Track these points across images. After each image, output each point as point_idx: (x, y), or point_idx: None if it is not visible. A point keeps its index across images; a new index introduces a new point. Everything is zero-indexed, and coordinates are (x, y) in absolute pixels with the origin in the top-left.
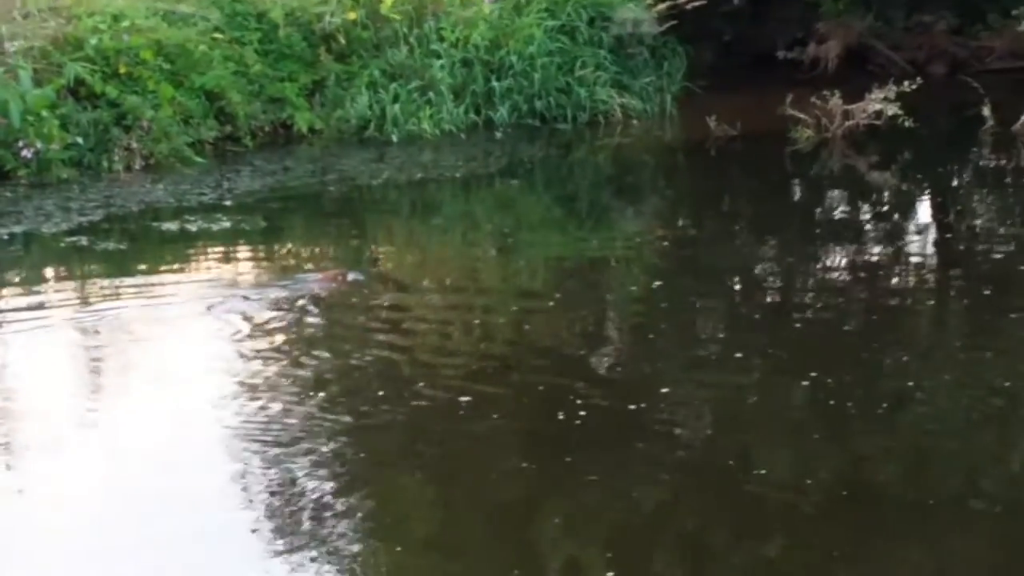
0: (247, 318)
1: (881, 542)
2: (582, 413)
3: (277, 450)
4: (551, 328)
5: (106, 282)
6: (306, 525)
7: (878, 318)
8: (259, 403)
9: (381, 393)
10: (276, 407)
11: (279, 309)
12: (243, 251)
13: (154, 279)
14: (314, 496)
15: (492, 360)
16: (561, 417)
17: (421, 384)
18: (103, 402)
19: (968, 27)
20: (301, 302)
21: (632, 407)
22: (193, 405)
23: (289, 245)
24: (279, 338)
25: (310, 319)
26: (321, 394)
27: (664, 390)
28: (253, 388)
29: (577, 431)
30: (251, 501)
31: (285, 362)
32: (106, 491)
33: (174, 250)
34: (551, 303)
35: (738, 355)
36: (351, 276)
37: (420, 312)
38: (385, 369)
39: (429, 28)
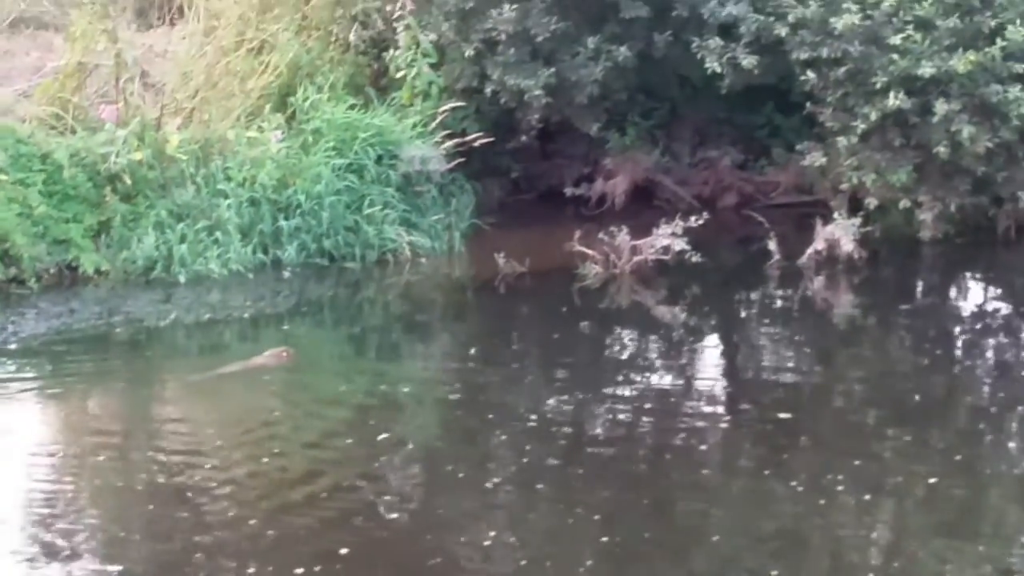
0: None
1: None
2: (370, 554)
3: None
4: (339, 468)
5: None
6: None
7: (668, 455)
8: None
9: (168, 531)
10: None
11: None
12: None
13: None
14: None
15: (282, 498)
16: (345, 551)
17: (211, 518)
18: None
19: (753, 162)
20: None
21: (422, 546)
22: None
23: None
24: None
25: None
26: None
27: (453, 529)
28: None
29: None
30: None
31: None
32: None
33: None
34: (339, 442)
35: (528, 494)
36: (287, 354)
37: (209, 451)
38: (171, 507)
39: (216, 167)
